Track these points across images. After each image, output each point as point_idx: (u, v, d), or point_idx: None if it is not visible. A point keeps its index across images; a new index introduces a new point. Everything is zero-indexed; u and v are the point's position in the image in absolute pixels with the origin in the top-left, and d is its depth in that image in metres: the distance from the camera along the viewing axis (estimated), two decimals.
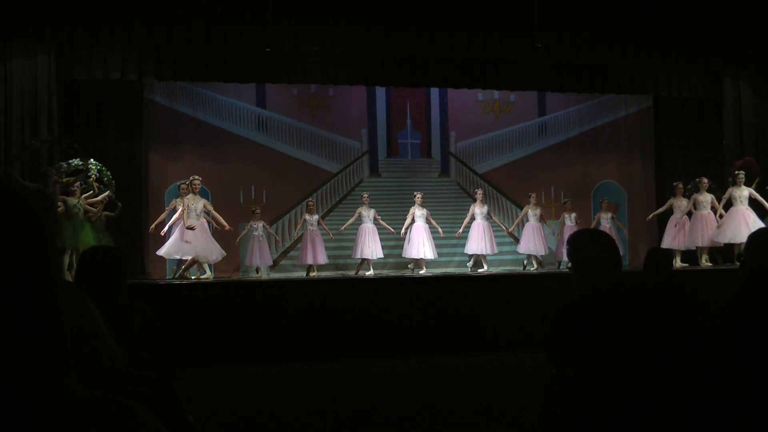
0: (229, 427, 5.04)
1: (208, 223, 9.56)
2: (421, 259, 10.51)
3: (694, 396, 2.47)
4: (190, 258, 9.21)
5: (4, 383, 0.68)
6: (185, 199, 9.21)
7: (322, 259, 10.41)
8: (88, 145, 10.30)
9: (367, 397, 6.11)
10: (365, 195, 10.70)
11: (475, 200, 11.02)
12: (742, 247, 9.87)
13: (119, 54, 9.72)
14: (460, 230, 10.86)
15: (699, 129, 12.22)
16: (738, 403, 2.34)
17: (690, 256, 10.80)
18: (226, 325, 7.87)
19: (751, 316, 2.48)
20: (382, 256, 10.61)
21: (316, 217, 10.47)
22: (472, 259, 11.07)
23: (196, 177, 9.40)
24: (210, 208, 9.48)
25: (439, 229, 10.62)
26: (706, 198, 10.56)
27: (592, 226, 11.24)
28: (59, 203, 8.74)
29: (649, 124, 12.73)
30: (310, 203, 10.63)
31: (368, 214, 10.50)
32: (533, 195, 11.11)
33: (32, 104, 9.36)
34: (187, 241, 9.04)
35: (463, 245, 11.09)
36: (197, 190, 9.33)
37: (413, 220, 10.59)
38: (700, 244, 10.54)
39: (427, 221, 10.64)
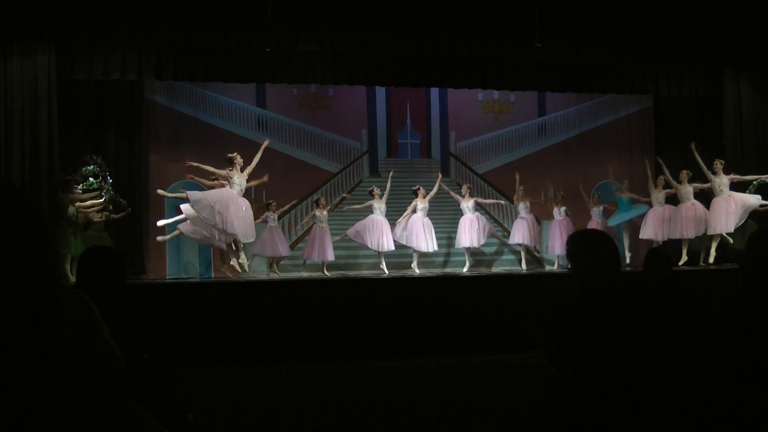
0: (229, 427, 5.03)
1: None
2: (415, 252, 10.48)
3: (694, 396, 2.47)
4: (229, 241, 9.09)
5: (4, 383, 0.68)
6: (230, 172, 9.03)
7: (330, 256, 10.35)
8: (88, 145, 10.32)
9: (367, 396, 6.10)
10: (377, 189, 10.58)
11: (462, 196, 11.00)
12: (731, 238, 9.97)
13: (119, 54, 9.72)
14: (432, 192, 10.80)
15: (699, 129, 12.22)
16: (738, 403, 2.34)
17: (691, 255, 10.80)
18: (226, 325, 7.87)
19: (751, 316, 2.48)
20: (393, 248, 10.50)
21: (325, 213, 10.42)
22: (467, 263, 11.00)
23: (233, 153, 9.22)
24: (251, 169, 9.29)
25: (448, 191, 10.87)
26: (688, 189, 10.57)
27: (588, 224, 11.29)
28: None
29: (649, 124, 12.73)
30: (322, 200, 10.59)
31: (380, 207, 10.43)
32: (521, 188, 11.14)
33: (32, 104, 9.35)
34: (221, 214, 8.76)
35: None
36: (240, 165, 9.16)
37: (414, 211, 10.56)
38: (687, 236, 10.53)
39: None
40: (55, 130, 9.49)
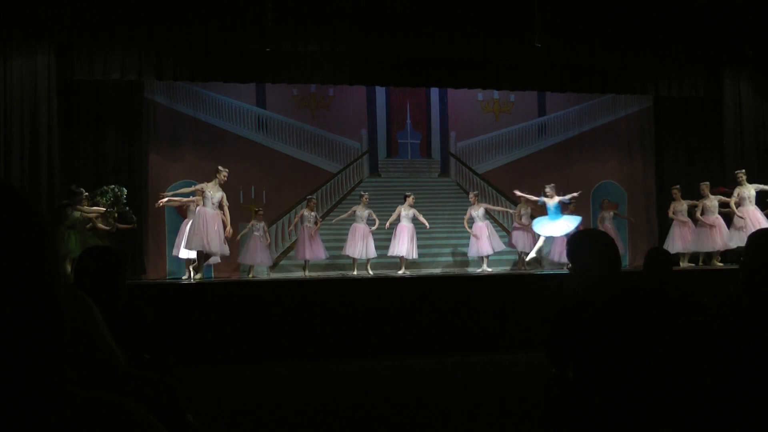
0: (229, 427, 5.04)
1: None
2: (402, 258, 10.51)
3: (694, 396, 2.47)
4: (202, 252, 9.19)
5: (4, 383, 0.68)
6: (205, 185, 9.19)
7: (322, 254, 10.39)
8: (88, 145, 10.32)
9: (367, 397, 6.10)
10: (365, 195, 10.71)
11: (471, 203, 11.05)
12: None
13: (119, 54, 9.71)
14: (466, 226, 10.88)
15: (699, 129, 12.22)
16: (738, 403, 2.35)
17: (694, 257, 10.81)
18: (226, 325, 7.87)
19: (751, 316, 2.48)
20: (375, 256, 10.57)
21: (314, 214, 10.48)
22: (484, 264, 11.01)
23: (225, 169, 9.37)
24: (225, 203, 9.36)
25: (426, 224, 10.57)
26: (714, 203, 10.53)
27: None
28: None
29: (649, 124, 12.72)
30: (312, 200, 10.63)
31: (362, 214, 10.50)
32: (523, 195, 11.19)
33: (32, 104, 9.35)
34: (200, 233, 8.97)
35: (465, 244, 11.12)
36: (223, 182, 9.29)
37: (398, 219, 10.60)
38: (710, 249, 10.49)
39: (414, 217, 10.61)
40: (55, 130, 9.49)
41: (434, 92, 12.34)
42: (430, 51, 10.08)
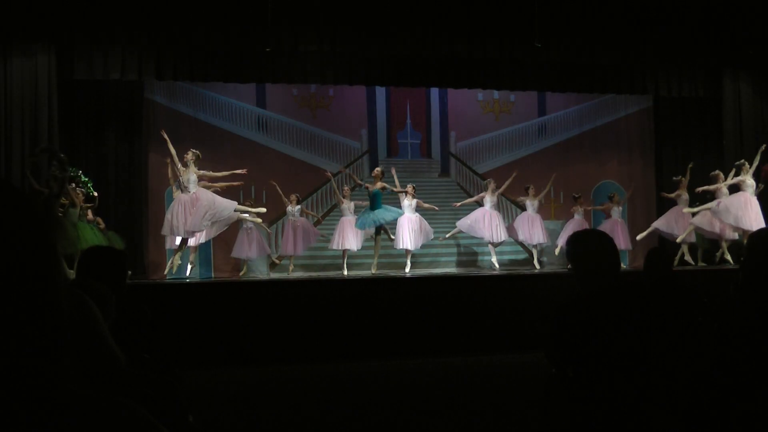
0: (229, 427, 5.04)
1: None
2: (408, 250, 10.43)
3: (694, 396, 2.47)
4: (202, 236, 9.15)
5: (4, 383, 0.68)
6: (181, 169, 9.10)
7: (300, 250, 10.38)
8: (88, 145, 10.32)
9: (367, 397, 6.10)
10: (346, 188, 10.71)
11: (487, 188, 10.98)
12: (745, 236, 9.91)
13: (119, 54, 9.72)
14: (458, 204, 10.85)
15: (699, 129, 12.22)
16: (738, 403, 2.34)
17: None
18: (226, 325, 7.86)
19: (751, 316, 2.48)
20: (360, 248, 10.51)
21: (298, 207, 10.48)
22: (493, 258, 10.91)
23: (191, 150, 9.25)
24: (214, 175, 9.31)
25: (435, 207, 10.60)
26: (724, 190, 10.53)
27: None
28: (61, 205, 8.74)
29: (649, 124, 12.73)
30: (292, 196, 10.59)
31: (349, 206, 10.49)
32: (531, 187, 11.15)
33: (32, 104, 9.35)
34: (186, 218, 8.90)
35: (466, 244, 11.10)
36: (187, 163, 9.10)
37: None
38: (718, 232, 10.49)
39: (418, 206, 10.52)
40: (55, 130, 9.49)
41: (434, 92, 12.34)
42: (430, 51, 10.08)
